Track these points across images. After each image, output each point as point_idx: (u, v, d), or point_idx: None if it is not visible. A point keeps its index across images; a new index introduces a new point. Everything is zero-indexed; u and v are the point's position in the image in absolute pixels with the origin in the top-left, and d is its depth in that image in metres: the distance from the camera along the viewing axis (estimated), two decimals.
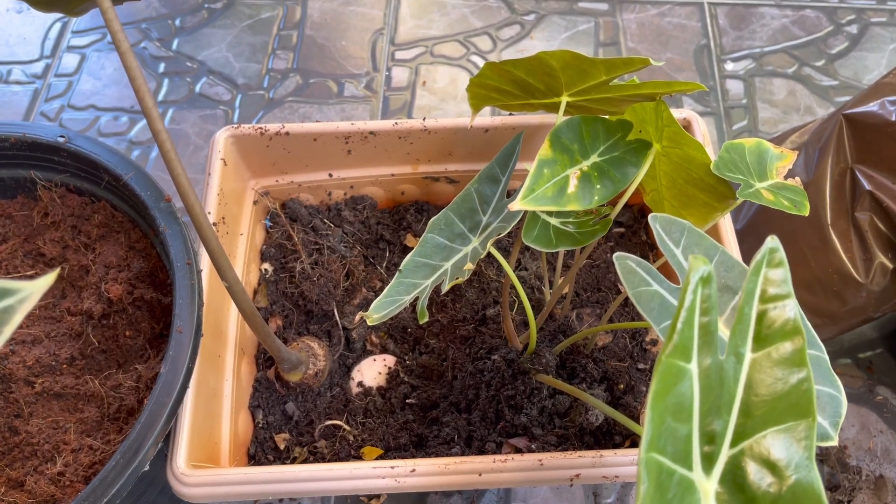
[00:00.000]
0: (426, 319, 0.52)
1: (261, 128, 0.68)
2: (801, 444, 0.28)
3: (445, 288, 0.52)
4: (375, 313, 0.54)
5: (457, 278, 0.52)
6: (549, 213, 0.52)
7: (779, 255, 0.28)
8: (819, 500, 0.27)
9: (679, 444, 0.27)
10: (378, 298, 0.55)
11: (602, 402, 0.51)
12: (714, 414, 0.28)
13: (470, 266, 0.53)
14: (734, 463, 0.28)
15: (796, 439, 0.28)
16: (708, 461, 0.28)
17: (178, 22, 1.14)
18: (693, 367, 0.27)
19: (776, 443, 0.28)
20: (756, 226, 0.80)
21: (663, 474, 0.26)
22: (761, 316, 0.28)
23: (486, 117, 0.68)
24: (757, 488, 0.28)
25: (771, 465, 0.28)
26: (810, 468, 0.28)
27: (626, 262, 0.43)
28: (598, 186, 0.48)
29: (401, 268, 0.56)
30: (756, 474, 0.28)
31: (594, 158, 0.50)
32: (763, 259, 0.28)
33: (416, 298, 0.54)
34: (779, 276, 0.28)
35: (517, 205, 0.46)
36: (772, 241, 0.28)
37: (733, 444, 0.28)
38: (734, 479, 0.28)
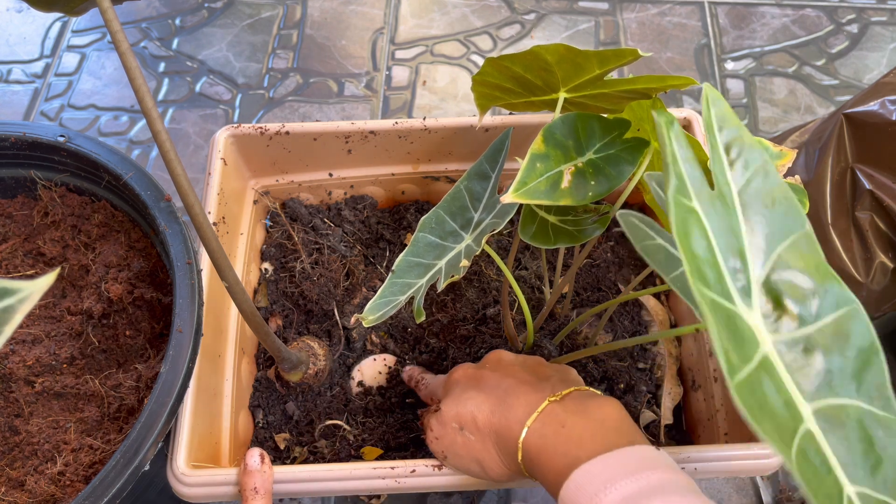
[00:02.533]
0: (423, 319, 0.52)
1: (261, 127, 0.68)
2: (806, 257, 0.30)
3: (441, 286, 0.52)
4: (371, 314, 0.53)
5: (452, 276, 0.52)
6: (548, 211, 0.52)
7: (713, 94, 0.30)
8: (849, 300, 0.29)
9: (716, 279, 0.28)
10: (373, 299, 0.54)
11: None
12: (730, 252, 0.29)
13: (465, 263, 0.53)
14: (768, 286, 0.30)
15: (803, 259, 0.30)
16: (745, 294, 0.29)
17: (178, 21, 1.14)
18: (696, 204, 0.29)
19: (788, 273, 0.30)
20: None
21: (719, 310, 0.27)
22: (726, 146, 0.31)
23: (487, 116, 0.68)
24: (796, 296, 0.29)
25: (793, 286, 0.30)
26: (826, 271, 0.30)
27: (629, 219, 0.43)
28: (593, 183, 0.48)
29: (393, 268, 0.56)
30: (789, 289, 0.29)
31: (589, 155, 0.50)
32: (707, 101, 0.30)
33: (412, 298, 0.53)
34: (723, 110, 0.31)
35: (509, 197, 0.46)
36: (706, 88, 0.31)
37: (759, 269, 0.30)
38: (774, 302, 0.29)
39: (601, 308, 0.55)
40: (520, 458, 0.46)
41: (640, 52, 0.44)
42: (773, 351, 0.28)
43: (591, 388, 0.49)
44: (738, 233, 0.29)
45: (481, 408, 0.49)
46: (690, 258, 0.27)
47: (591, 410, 0.45)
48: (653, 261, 0.41)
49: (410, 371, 0.63)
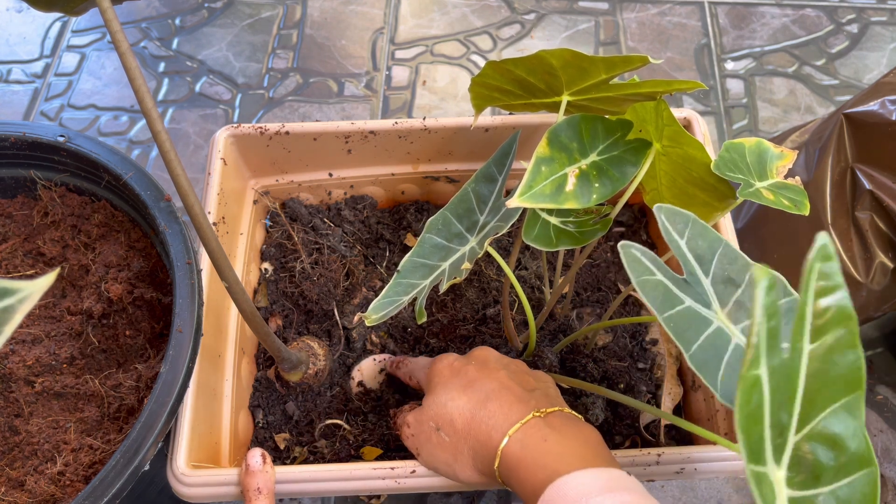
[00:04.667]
0: (424, 320, 0.52)
1: (261, 127, 0.68)
2: (853, 415, 0.30)
3: (443, 288, 0.52)
4: (374, 314, 0.54)
5: (454, 278, 0.52)
6: (549, 212, 0.52)
7: (828, 250, 0.29)
8: (871, 462, 0.30)
9: (755, 445, 0.29)
10: (377, 299, 0.55)
11: (612, 391, 0.52)
12: (781, 407, 0.30)
13: (467, 265, 0.53)
14: (799, 447, 0.30)
15: (850, 413, 0.30)
16: (778, 452, 0.30)
17: (178, 21, 1.14)
18: (763, 371, 0.29)
19: (834, 420, 0.30)
20: (756, 225, 0.80)
21: (757, 479, 0.28)
22: (816, 310, 0.30)
23: (487, 117, 0.68)
24: (821, 465, 0.30)
25: (831, 442, 0.30)
26: (862, 436, 0.30)
27: (630, 251, 0.43)
28: (597, 185, 0.48)
29: (399, 268, 0.56)
30: (819, 452, 0.30)
31: (593, 157, 0.50)
32: (815, 256, 0.29)
33: (415, 299, 0.54)
34: (829, 270, 0.29)
35: (515, 201, 0.46)
36: (822, 238, 0.29)
37: (798, 429, 0.30)
38: (801, 462, 0.30)
39: (609, 324, 0.55)
40: (497, 464, 0.47)
41: (651, 59, 0.44)
42: None
43: (575, 413, 0.50)
44: (794, 392, 0.30)
45: (462, 411, 0.50)
46: (748, 433, 0.28)
47: (573, 431, 0.47)
48: (648, 297, 0.41)
49: (391, 359, 0.65)
